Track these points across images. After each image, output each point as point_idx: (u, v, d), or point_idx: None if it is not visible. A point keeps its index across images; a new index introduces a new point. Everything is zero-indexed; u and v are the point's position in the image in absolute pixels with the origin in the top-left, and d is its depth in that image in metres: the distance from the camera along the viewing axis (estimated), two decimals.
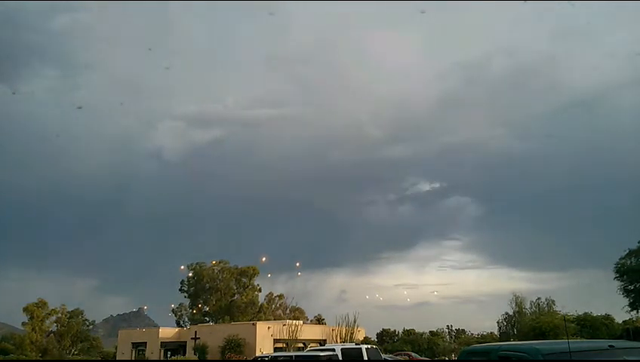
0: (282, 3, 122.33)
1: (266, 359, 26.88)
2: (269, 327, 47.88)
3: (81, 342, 60.36)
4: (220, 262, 69.94)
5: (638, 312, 37.44)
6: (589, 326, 39.99)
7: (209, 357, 46.55)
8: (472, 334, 67.54)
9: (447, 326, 73.97)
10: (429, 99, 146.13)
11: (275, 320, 59.20)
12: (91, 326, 69.62)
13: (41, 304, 59.84)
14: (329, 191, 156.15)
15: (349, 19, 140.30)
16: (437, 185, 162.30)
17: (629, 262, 34.98)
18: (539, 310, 56.58)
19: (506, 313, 60.27)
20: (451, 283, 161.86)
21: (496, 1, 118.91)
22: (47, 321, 60.05)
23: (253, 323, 50.37)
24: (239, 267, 69.81)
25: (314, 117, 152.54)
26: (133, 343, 56.85)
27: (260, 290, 70.57)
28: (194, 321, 65.20)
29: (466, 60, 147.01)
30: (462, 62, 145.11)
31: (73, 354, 58.42)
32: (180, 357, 49.64)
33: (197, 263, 69.70)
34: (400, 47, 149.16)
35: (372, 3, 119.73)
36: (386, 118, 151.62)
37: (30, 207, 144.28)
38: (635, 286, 34.44)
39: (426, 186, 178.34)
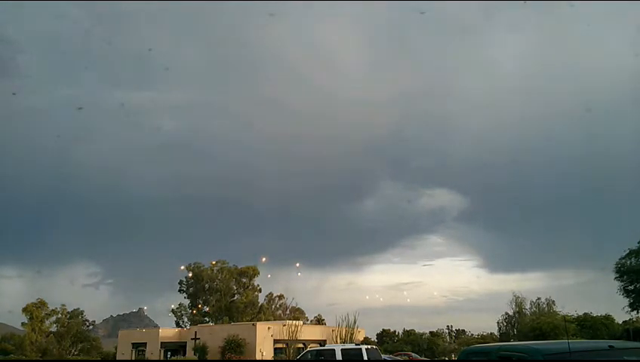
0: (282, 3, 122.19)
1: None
2: (269, 328, 47.85)
3: (81, 343, 60.26)
4: (218, 262, 69.88)
5: (638, 312, 37.43)
6: (589, 326, 40.03)
7: (209, 357, 46.55)
8: (472, 334, 67.68)
9: (447, 326, 74.17)
10: None
11: (275, 320, 59.21)
12: (91, 327, 69.56)
13: (41, 304, 59.80)
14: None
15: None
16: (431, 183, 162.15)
17: (629, 262, 34.98)
18: (539, 310, 56.63)
19: (506, 313, 60.36)
20: (449, 283, 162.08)
21: (497, 1, 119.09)
22: (47, 321, 60.01)
23: (253, 324, 50.34)
24: (239, 267, 69.77)
25: None
26: (133, 343, 56.82)
27: (259, 291, 70.57)
28: (194, 322, 65.14)
29: None
30: None
31: (73, 355, 58.34)
32: (180, 358, 49.66)
33: (195, 263, 69.65)
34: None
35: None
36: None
37: (29, 206, 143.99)
38: (635, 286, 34.42)
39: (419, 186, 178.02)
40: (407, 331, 63.75)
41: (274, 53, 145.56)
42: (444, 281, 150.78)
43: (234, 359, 44.29)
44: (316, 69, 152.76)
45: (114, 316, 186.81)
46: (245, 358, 45.07)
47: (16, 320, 61.73)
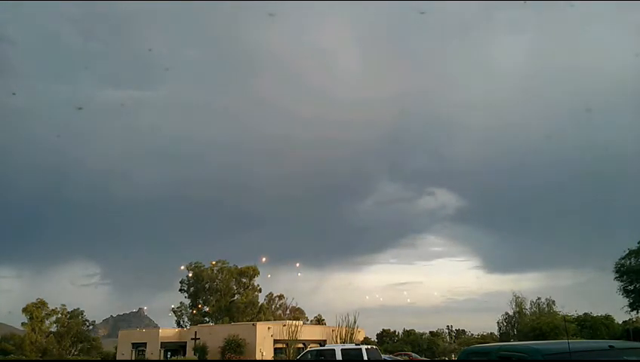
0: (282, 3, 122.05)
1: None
2: (269, 328, 47.88)
3: (81, 343, 60.32)
4: (218, 262, 69.92)
5: (638, 312, 37.45)
6: (589, 326, 40.03)
7: (209, 357, 46.58)
8: (472, 334, 67.71)
9: (447, 326, 74.19)
10: None
11: (275, 320, 59.23)
12: (91, 327, 69.61)
13: (41, 304, 59.81)
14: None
15: None
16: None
17: (629, 262, 35.00)
18: (539, 310, 56.61)
19: (506, 313, 60.36)
20: (449, 283, 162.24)
21: (497, 1, 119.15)
22: (47, 321, 60.04)
23: (253, 324, 50.38)
24: (239, 267, 69.82)
25: None
26: (133, 343, 56.86)
27: (259, 291, 70.63)
28: (194, 322, 65.18)
29: None
30: None
31: (73, 355, 58.40)
32: (180, 358, 49.68)
33: (196, 263, 69.71)
34: None
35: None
36: None
37: (28, 206, 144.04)
38: (635, 287, 34.46)
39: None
40: (407, 331, 63.76)
41: (270, 52, 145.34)
42: (444, 281, 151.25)
43: (234, 359, 44.30)
44: (315, 70, 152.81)
45: (114, 316, 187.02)
46: (245, 358, 45.08)
47: (17, 320, 61.87)
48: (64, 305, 62.28)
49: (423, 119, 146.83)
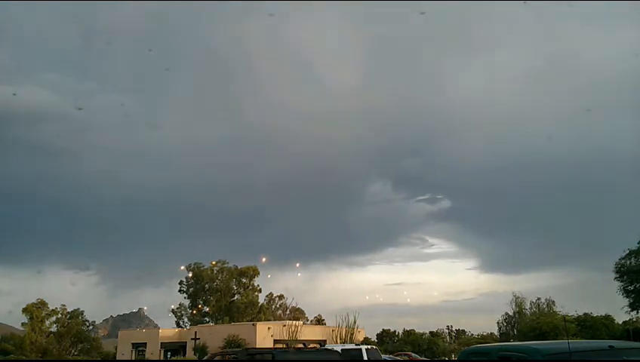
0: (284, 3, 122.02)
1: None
2: (269, 328, 47.89)
3: (81, 343, 60.29)
4: (218, 262, 69.94)
5: (638, 313, 37.40)
6: (589, 326, 39.99)
7: (209, 357, 46.58)
8: (472, 334, 67.73)
9: (447, 326, 74.19)
10: None
11: (275, 320, 59.24)
12: (91, 327, 69.57)
13: (41, 304, 59.80)
14: None
15: None
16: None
17: (629, 262, 34.98)
18: (539, 310, 56.62)
19: (506, 313, 60.37)
20: (448, 284, 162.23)
21: (496, 1, 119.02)
22: (47, 322, 60.02)
23: (253, 324, 50.38)
24: (239, 267, 69.85)
25: None
26: (133, 343, 56.90)
27: (260, 291, 70.63)
28: (194, 322, 65.19)
29: None
30: None
31: (73, 355, 58.36)
32: (180, 358, 49.69)
33: (195, 263, 69.74)
34: None
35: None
36: None
37: (28, 206, 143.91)
38: (635, 287, 34.42)
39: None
40: (407, 331, 63.70)
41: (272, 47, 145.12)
42: (444, 281, 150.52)
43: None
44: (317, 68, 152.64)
45: (114, 316, 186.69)
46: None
47: (17, 320, 61.81)
48: (64, 305, 62.24)
49: (422, 118, 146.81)
